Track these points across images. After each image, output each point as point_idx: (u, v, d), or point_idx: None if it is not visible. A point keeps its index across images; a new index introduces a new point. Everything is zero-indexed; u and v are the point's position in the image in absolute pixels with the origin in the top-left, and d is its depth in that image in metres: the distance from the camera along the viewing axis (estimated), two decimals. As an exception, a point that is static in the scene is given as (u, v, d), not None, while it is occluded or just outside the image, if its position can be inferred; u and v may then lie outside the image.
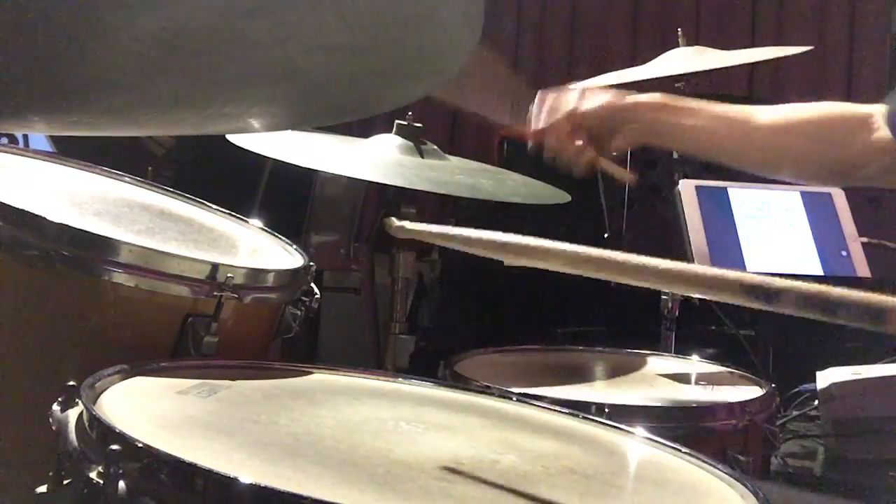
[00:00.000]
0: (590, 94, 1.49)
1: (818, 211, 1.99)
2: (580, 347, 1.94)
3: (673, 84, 2.69)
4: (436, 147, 1.82)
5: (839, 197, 2.00)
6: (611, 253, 0.88)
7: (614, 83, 2.51)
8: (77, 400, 0.93)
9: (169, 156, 2.64)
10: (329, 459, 0.91)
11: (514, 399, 1.29)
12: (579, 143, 1.46)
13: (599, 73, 2.80)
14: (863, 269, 1.93)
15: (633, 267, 0.86)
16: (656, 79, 2.86)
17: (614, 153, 1.48)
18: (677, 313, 2.07)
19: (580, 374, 1.75)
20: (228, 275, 1.25)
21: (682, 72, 2.52)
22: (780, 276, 1.97)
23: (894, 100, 1.39)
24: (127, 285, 1.20)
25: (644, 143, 1.49)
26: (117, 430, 0.83)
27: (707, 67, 2.58)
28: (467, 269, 3.49)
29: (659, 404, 1.49)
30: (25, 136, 2.03)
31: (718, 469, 1.03)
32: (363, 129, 1.90)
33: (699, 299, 2.19)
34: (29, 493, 0.86)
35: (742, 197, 2.03)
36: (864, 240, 1.95)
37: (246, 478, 0.76)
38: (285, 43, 0.87)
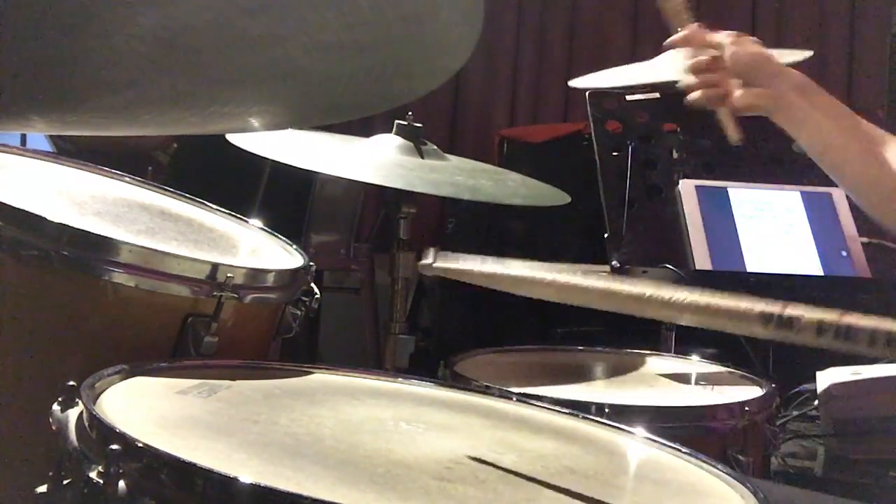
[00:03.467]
0: (741, 40, 1.44)
1: (818, 211, 1.99)
2: (580, 347, 1.94)
3: (673, 84, 2.69)
4: (436, 147, 1.83)
5: (839, 197, 2.00)
6: (627, 286, 0.87)
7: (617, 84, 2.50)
8: (77, 400, 0.93)
9: (173, 162, 2.64)
10: (329, 459, 0.91)
11: (514, 399, 1.29)
12: (716, 76, 1.41)
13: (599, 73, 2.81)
14: (863, 269, 1.93)
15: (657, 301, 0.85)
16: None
17: (737, 107, 1.40)
18: (677, 313, 2.06)
19: (580, 374, 1.75)
20: (228, 275, 1.25)
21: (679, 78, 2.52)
22: (781, 276, 1.97)
23: None
24: (127, 285, 1.20)
25: (769, 113, 1.40)
26: (117, 430, 0.83)
27: None
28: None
29: (659, 404, 1.49)
30: (23, 136, 2.03)
31: (718, 469, 1.03)
32: (363, 129, 1.90)
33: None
34: (29, 493, 0.86)
35: (742, 197, 2.03)
36: (864, 240, 1.95)
37: (246, 478, 0.76)
38: (285, 42, 0.87)
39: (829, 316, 0.78)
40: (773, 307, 0.81)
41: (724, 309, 0.83)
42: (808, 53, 2.46)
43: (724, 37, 1.44)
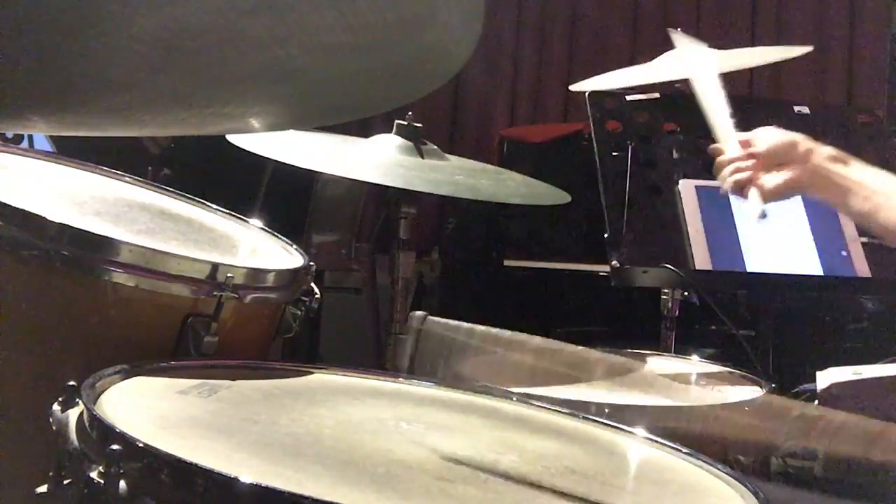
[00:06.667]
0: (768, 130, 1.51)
1: (818, 211, 1.99)
2: (580, 347, 1.94)
3: (673, 84, 2.69)
4: (436, 147, 1.83)
5: (839, 197, 2.00)
6: None
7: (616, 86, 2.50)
8: (77, 400, 0.93)
9: (164, 155, 2.64)
10: (329, 459, 0.91)
11: (514, 399, 1.29)
12: (750, 161, 1.48)
13: (599, 73, 2.81)
14: (863, 269, 1.93)
15: None
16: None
17: (774, 190, 1.46)
18: (677, 313, 2.06)
19: (580, 374, 1.75)
20: (228, 275, 1.25)
21: (682, 76, 2.52)
22: (781, 276, 1.97)
23: None
24: (127, 285, 1.20)
25: (807, 189, 1.48)
26: (117, 430, 0.83)
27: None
28: (467, 270, 3.49)
29: (659, 404, 1.49)
30: (30, 137, 2.03)
31: (718, 469, 1.03)
32: (363, 129, 1.90)
33: (699, 299, 2.19)
34: (29, 493, 0.86)
35: (742, 197, 2.02)
36: (864, 240, 1.95)
37: (246, 478, 0.76)
38: (286, 42, 0.87)
39: None
40: None
41: None
42: (807, 48, 2.46)
43: (751, 134, 1.49)
